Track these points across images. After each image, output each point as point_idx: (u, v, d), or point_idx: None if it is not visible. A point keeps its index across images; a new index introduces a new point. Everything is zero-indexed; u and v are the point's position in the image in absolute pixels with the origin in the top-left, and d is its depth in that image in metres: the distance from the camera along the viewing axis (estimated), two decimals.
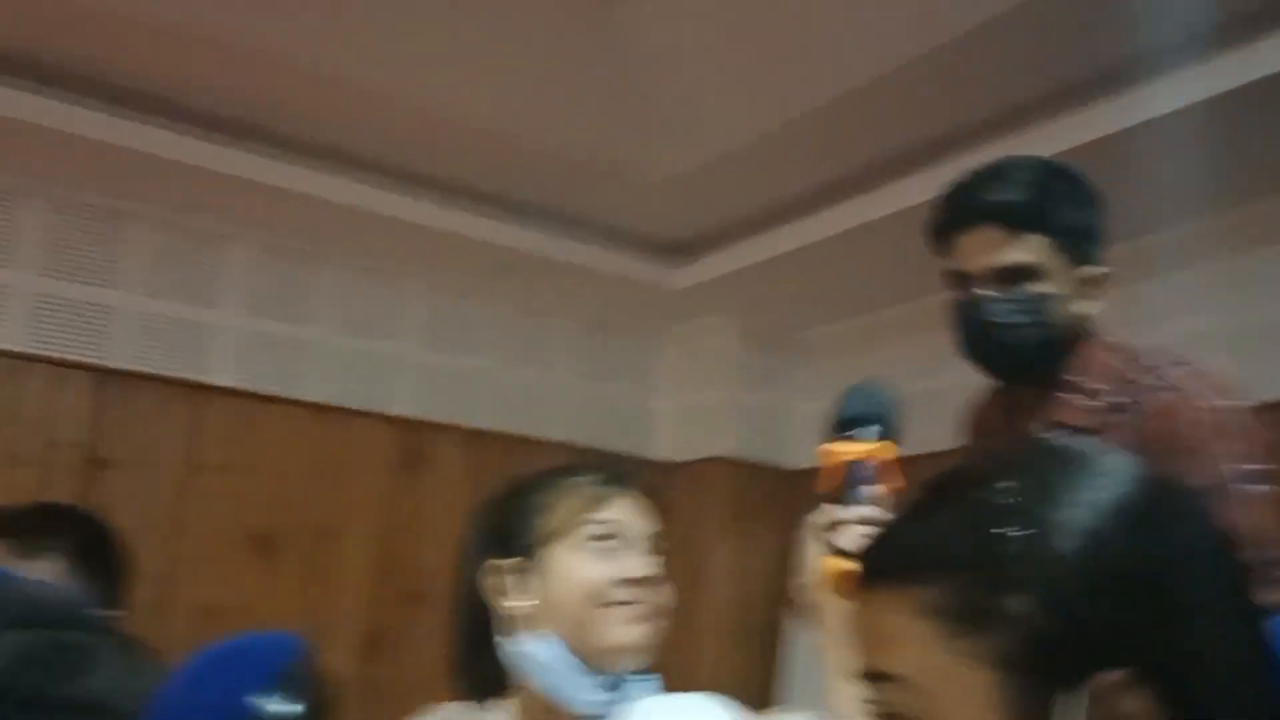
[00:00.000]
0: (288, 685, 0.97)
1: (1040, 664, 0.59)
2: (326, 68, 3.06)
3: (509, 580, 1.33)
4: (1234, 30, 2.46)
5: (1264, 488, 1.40)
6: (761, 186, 3.54)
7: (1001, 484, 0.65)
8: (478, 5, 2.87)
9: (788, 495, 4.24)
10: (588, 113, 3.26)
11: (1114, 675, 0.58)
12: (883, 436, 1.19)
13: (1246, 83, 2.44)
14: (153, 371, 3.55)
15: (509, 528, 1.36)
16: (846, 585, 1.15)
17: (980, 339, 1.55)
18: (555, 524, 1.33)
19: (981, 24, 2.54)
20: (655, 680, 1.35)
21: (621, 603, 1.30)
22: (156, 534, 3.42)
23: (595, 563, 1.31)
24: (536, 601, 1.31)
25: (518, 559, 1.33)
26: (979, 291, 1.54)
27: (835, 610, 1.16)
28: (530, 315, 4.28)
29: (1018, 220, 1.51)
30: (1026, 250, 1.51)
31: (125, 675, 1.02)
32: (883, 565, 0.68)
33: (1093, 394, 1.53)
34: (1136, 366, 1.53)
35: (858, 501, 1.15)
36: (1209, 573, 0.63)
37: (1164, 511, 0.64)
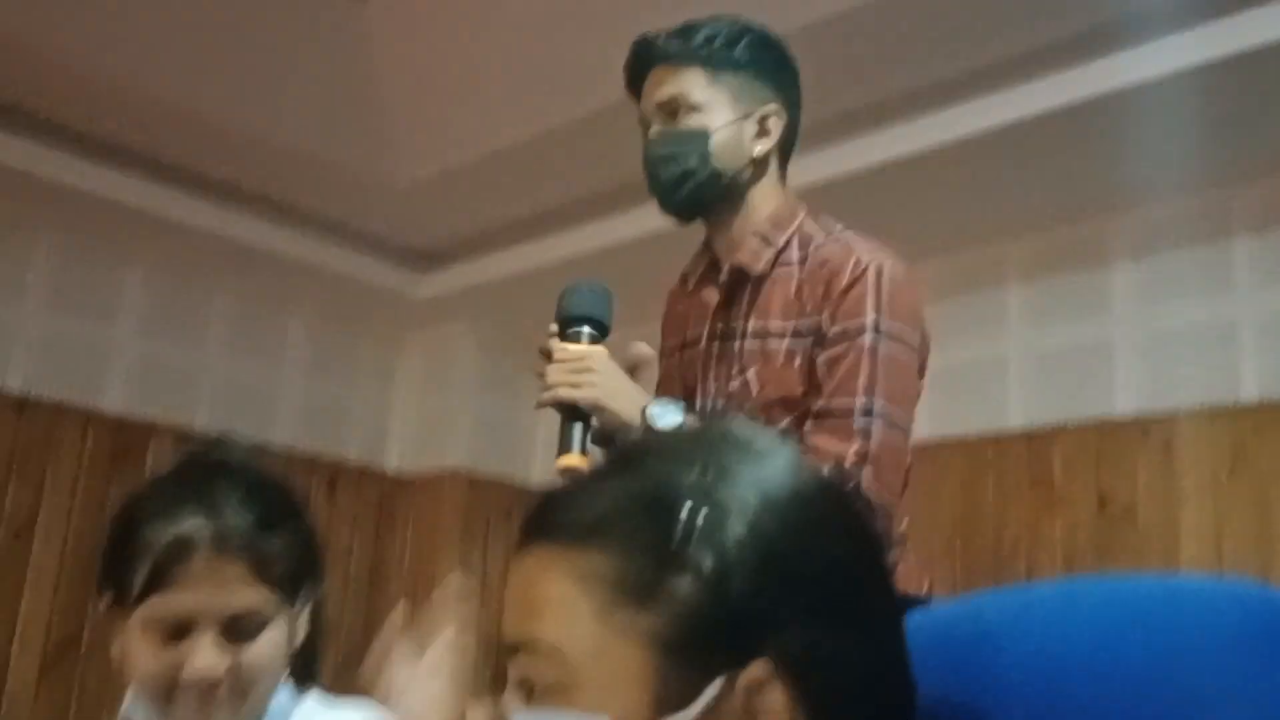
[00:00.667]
0: None
1: (695, 648, 0.57)
2: (56, 44, 2.84)
3: (113, 616, 1.12)
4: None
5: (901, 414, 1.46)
6: (507, 200, 3.55)
7: (682, 461, 0.62)
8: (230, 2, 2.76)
9: (521, 509, 4.26)
10: (337, 114, 3.18)
11: (762, 667, 0.57)
12: (594, 338, 1.48)
13: (1237, 52, 2.40)
14: None
15: (106, 562, 1.14)
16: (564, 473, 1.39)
17: (651, 176, 1.57)
18: (131, 590, 1.08)
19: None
20: None
21: (186, 696, 1.08)
22: None
23: (155, 655, 1.07)
24: (120, 659, 1.12)
25: (108, 605, 1.13)
26: (648, 132, 1.59)
27: None
28: (261, 311, 4.10)
29: (674, 55, 1.55)
30: (681, 83, 1.54)
31: None
32: (546, 525, 0.63)
33: (764, 239, 1.56)
34: (811, 221, 1.58)
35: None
36: (861, 575, 0.64)
37: (827, 510, 0.64)
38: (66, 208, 3.43)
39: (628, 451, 0.67)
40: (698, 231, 1.70)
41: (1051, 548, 3.04)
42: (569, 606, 0.59)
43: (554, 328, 1.54)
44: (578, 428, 1.48)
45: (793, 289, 1.53)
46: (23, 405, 3.49)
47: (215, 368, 3.98)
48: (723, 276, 1.60)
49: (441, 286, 4.03)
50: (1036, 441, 3.14)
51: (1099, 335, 3.11)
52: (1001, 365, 3.28)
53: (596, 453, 1.49)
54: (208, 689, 1.07)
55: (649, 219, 1.65)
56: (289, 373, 4.17)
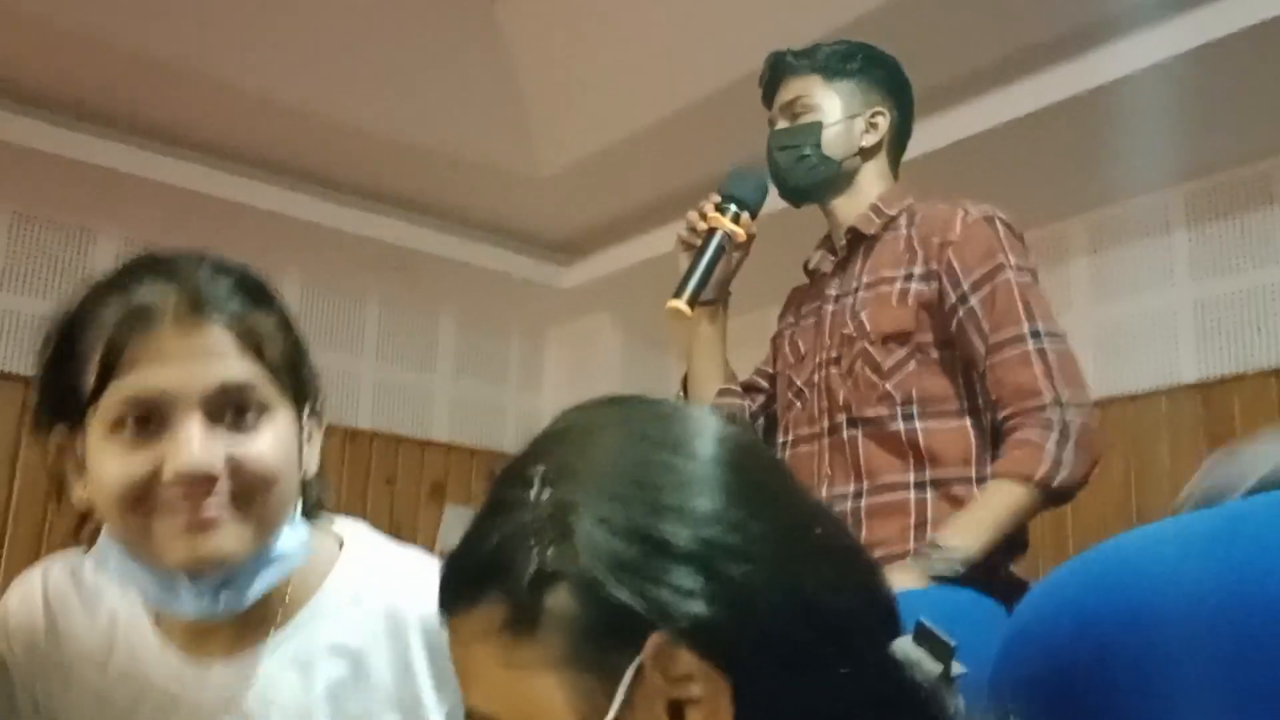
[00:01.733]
0: None
1: (595, 653, 0.57)
2: (207, 67, 2.98)
3: (66, 455, 0.89)
4: None
5: (1054, 336, 1.59)
6: (646, 184, 3.56)
7: (521, 481, 0.61)
8: (361, 8, 2.83)
9: None
10: (472, 111, 3.25)
11: (657, 639, 0.56)
12: (735, 216, 1.73)
13: (1218, 38, 2.47)
14: None
15: (47, 375, 0.89)
16: (671, 318, 1.71)
17: (771, 164, 1.79)
18: (83, 390, 0.85)
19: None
20: (276, 562, 0.90)
21: (172, 507, 0.84)
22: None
23: (123, 456, 0.84)
24: (87, 496, 0.88)
25: (61, 429, 0.89)
26: (772, 130, 1.81)
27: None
28: (412, 312, 4.23)
29: (798, 67, 1.80)
30: (802, 88, 1.78)
31: None
32: (445, 598, 0.63)
33: (876, 210, 1.75)
34: (919, 203, 1.75)
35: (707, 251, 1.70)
36: (741, 511, 0.60)
37: (685, 463, 0.61)
38: (220, 221, 3.60)
39: (491, 483, 0.65)
40: (805, 222, 1.87)
41: None
42: (482, 667, 0.60)
43: (715, 197, 1.77)
44: (699, 272, 1.69)
45: (902, 244, 1.70)
46: None
47: (372, 369, 4.12)
48: (839, 242, 1.79)
49: (584, 276, 4.07)
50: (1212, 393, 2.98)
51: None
52: (1170, 317, 3.13)
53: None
54: (200, 491, 0.83)
55: (774, 201, 1.77)
56: (442, 369, 4.29)
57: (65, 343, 0.87)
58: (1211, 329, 3.05)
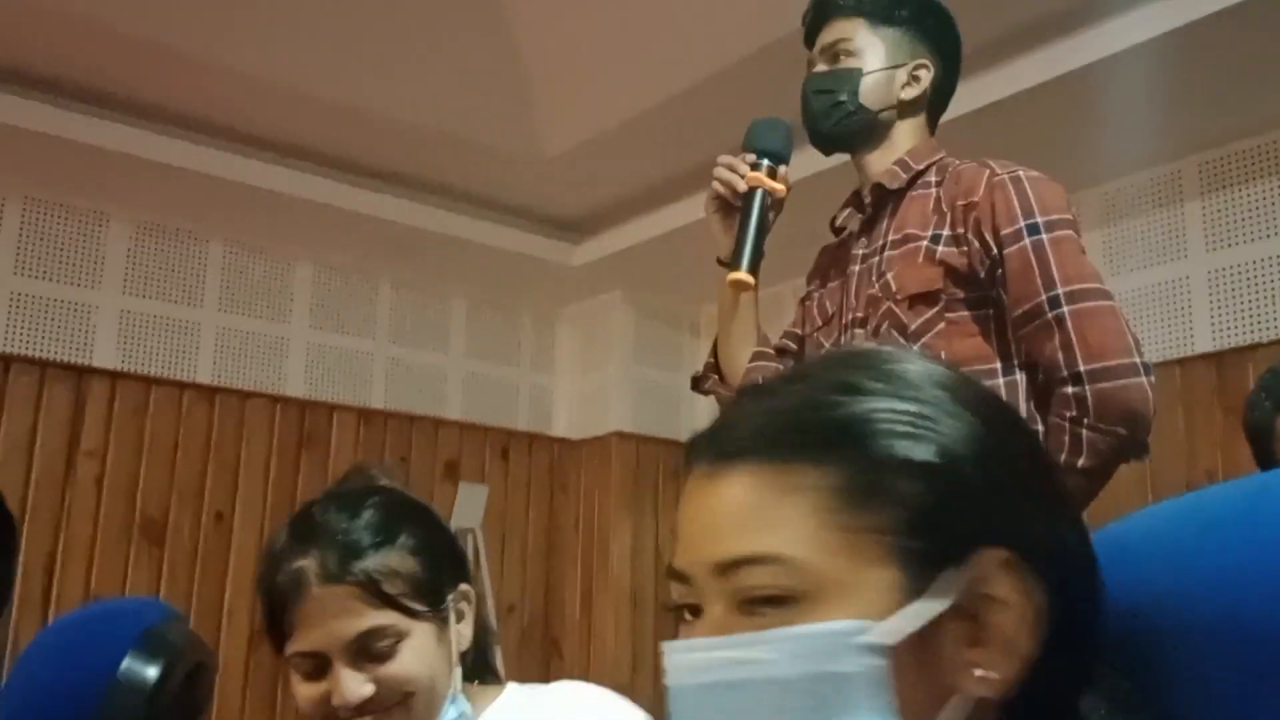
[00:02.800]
0: (150, 646, 0.94)
1: (924, 542, 0.58)
2: (212, 50, 2.97)
3: (286, 669, 1.21)
4: None
5: (1097, 293, 1.51)
6: (654, 161, 3.56)
7: (855, 368, 0.63)
8: None
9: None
10: (479, 91, 3.24)
11: (991, 555, 0.58)
12: (771, 170, 1.66)
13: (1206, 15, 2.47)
14: (32, 354, 3.42)
15: (264, 619, 1.19)
16: (734, 288, 1.66)
17: (805, 108, 1.71)
18: (273, 641, 1.18)
19: None
20: None
21: None
22: (38, 523, 3.31)
23: (305, 686, 1.14)
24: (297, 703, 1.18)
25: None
26: (809, 73, 1.73)
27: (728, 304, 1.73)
28: (424, 293, 4.24)
29: (844, 8, 1.71)
30: (845, 30, 1.69)
31: None
32: (736, 444, 0.62)
33: (905, 164, 1.67)
34: (951, 158, 1.68)
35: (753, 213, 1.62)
36: (1049, 463, 0.66)
37: (998, 404, 0.66)
38: (233, 205, 3.61)
39: (805, 368, 0.67)
40: (833, 185, 1.79)
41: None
42: (791, 517, 0.59)
43: (747, 156, 1.70)
44: (751, 236, 1.62)
45: (930, 204, 1.63)
46: (214, 394, 3.71)
47: (385, 349, 4.13)
48: (865, 199, 1.72)
49: (594, 253, 4.08)
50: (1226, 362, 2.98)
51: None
52: (1184, 286, 3.12)
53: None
54: (358, 712, 1.10)
55: (794, 169, 1.70)
56: (455, 349, 4.30)
57: (262, 599, 1.17)
58: (1225, 299, 3.03)
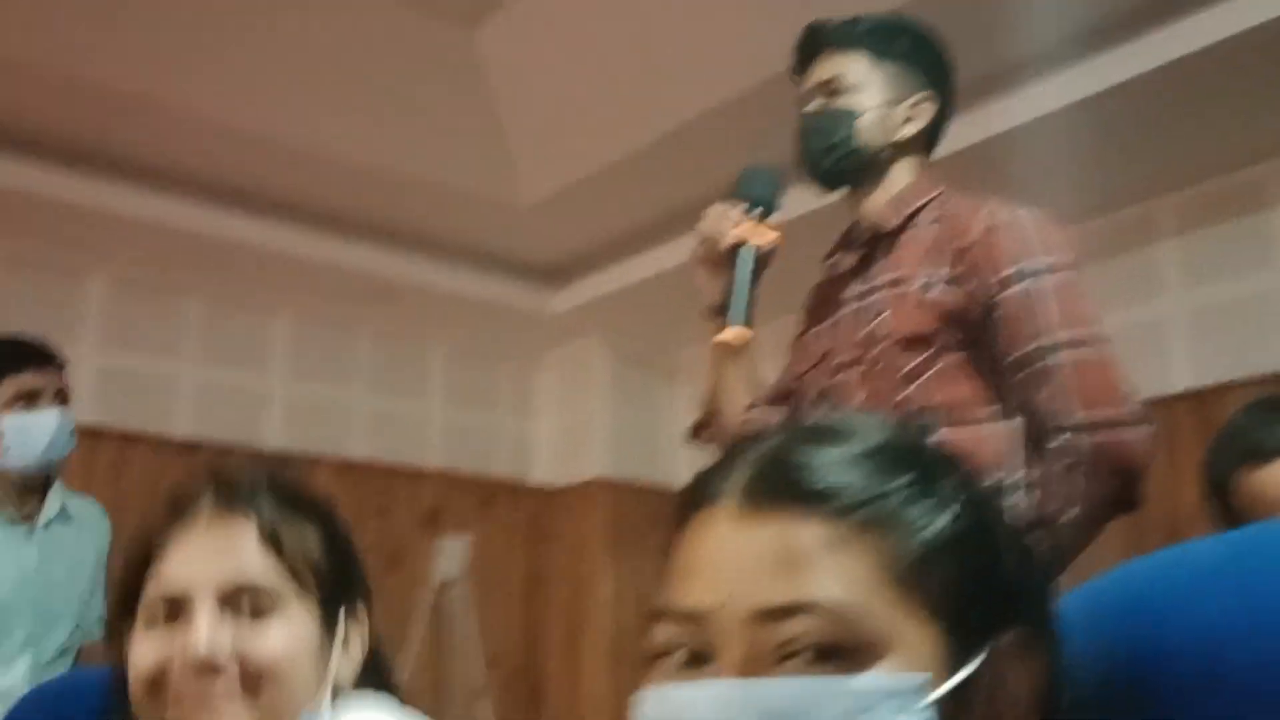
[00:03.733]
0: (123, 715, 0.89)
1: (968, 616, 0.58)
2: (186, 101, 2.99)
3: (121, 654, 0.97)
4: (1110, 32, 2.56)
5: (1093, 339, 1.46)
6: (631, 208, 3.58)
7: (906, 441, 0.63)
8: (342, 38, 2.85)
9: (668, 514, 4.28)
10: (456, 140, 3.26)
11: (1015, 636, 0.59)
12: (763, 217, 1.61)
13: (1124, 80, 2.54)
14: None
15: (120, 578, 0.99)
16: (721, 348, 1.62)
17: (802, 146, 1.66)
18: (132, 585, 0.96)
19: None
20: None
21: (181, 696, 0.89)
22: None
23: (148, 646, 0.91)
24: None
25: (126, 628, 0.97)
26: (803, 110, 1.68)
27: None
28: (402, 342, 4.23)
29: (842, 40, 1.65)
30: (843, 65, 1.64)
31: None
32: (789, 489, 0.60)
33: (901, 202, 1.63)
34: (950, 195, 1.64)
35: (746, 266, 1.56)
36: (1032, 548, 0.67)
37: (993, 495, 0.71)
38: (211, 259, 3.60)
39: (825, 423, 0.65)
40: (826, 222, 1.75)
41: None
42: (847, 569, 0.58)
43: (736, 205, 1.65)
44: (744, 291, 1.57)
45: (927, 244, 1.58)
46: (193, 449, 3.68)
47: (365, 400, 4.11)
48: (860, 238, 1.67)
49: (572, 300, 4.08)
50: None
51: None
52: (1160, 326, 3.15)
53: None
54: (207, 680, 0.88)
55: (787, 205, 1.69)
56: (433, 397, 4.29)
57: (130, 541, 0.97)
58: (1204, 337, 3.05)
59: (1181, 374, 3.09)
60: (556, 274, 4.09)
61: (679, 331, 4.16)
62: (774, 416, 1.72)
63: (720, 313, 1.59)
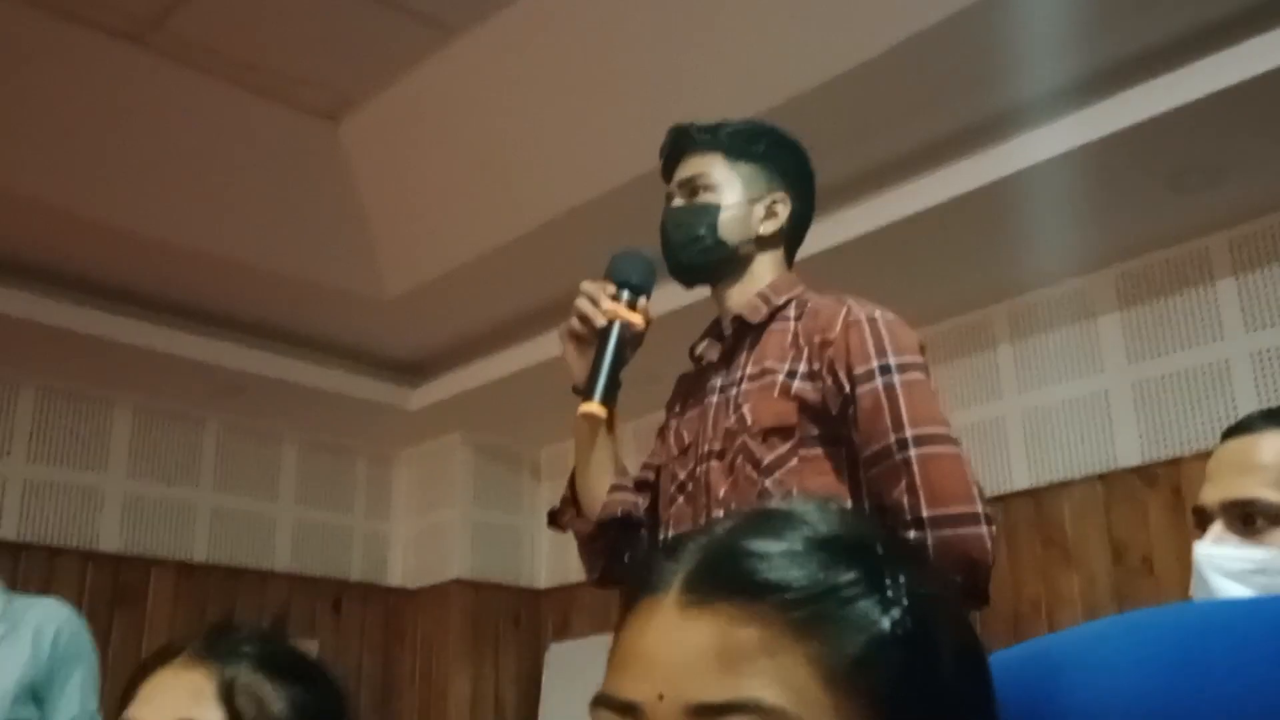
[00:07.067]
0: None
1: (908, 708, 0.58)
2: (42, 191, 2.87)
3: None
4: (1103, 82, 2.60)
5: (942, 437, 1.53)
6: (493, 303, 3.57)
7: (852, 532, 0.63)
8: (203, 131, 2.80)
9: (528, 614, 4.19)
10: (316, 233, 3.22)
11: None
12: (633, 300, 1.67)
13: (1117, 130, 2.57)
14: None
15: None
16: (586, 421, 1.66)
17: (664, 241, 1.73)
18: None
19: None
20: None
21: None
22: None
23: None
24: None
25: None
26: (667, 206, 1.75)
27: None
28: (253, 439, 4.08)
29: (702, 143, 1.74)
30: (702, 166, 1.72)
31: None
32: (731, 582, 0.59)
33: (765, 298, 1.69)
34: (810, 293, 1.71)
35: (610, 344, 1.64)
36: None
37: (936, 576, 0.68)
38: (50, 350, 3.43)
39: (773, 512, 0.65)
40: (685, 323, 1.81)
41: (1072, 604, 3.00)
42: (787, 670, 0.57)
43: (606, 287, 1.71)
44: (606, 368, 1.63)
45: (789, 338, 1.65)
46: (20, 550, 3.44)
47: (209, 499, 3.94)
48: (725, 330, 1.72)
49: (433, 396, 4.03)
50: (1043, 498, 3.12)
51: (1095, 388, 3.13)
52: (1001, 426, 3.28)
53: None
54: None
55: (656, 303, 1.73)
56: (284, 496, 4.14)
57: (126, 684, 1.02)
58: (1150, 412, 3.06)
59: (1020, 473, 3.22)
60: (417, 369, 4.04)
61: (541, 428, 4.13)
62: (636, 500, 1.73)
63: (586, 390, 1.63)
